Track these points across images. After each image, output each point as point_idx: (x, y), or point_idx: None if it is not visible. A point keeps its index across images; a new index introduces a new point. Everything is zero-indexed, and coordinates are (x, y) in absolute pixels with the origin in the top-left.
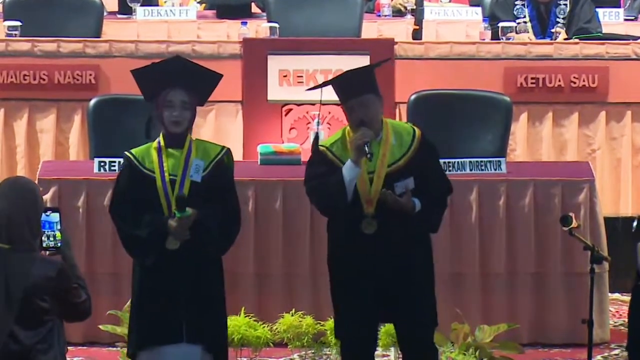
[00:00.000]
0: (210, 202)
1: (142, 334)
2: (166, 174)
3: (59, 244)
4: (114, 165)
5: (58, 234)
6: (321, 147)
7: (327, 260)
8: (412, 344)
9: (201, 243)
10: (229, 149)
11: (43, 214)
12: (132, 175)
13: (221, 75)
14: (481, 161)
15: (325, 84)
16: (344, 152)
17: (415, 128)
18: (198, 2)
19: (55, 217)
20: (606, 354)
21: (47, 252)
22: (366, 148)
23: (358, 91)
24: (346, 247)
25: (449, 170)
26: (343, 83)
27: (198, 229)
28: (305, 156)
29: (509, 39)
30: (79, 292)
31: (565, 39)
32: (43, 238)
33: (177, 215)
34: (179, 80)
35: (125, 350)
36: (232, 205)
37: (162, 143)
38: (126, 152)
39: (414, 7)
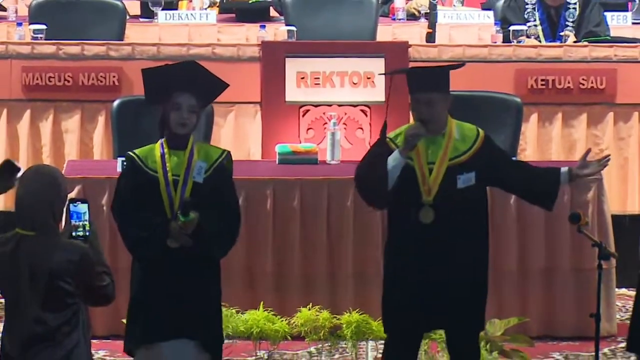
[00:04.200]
0: (211, 203)
1: (142, 331)
2: (169, 174)
3: (87, 234)
4: None
5: (86, 224)
6: (387, 138)
7: (384, 249)
8: (460, 346)
9: (201, 246)
10: (229, 152)
11: (72, 205)
12: (134, 175)
13: (227, 85)
14: None
15: (399, 71)
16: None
17: (480, 129)
18: (208, 7)
19: (83, 208)
20: (613, 347)
21: (77, 241)
22: (415, 141)
23: (422, 87)
24: (404, 236)
25: None
26: (414, 76)
27: (199, 233)
28: (322, 155)
29: (520, 42)
30: (102, 276)
31: (574, 42)
32: (72, 228)
33: (181, 219)
34: (188, 85)
35: None
36: (232, 207)
37: (165, 144)
38: (129, 152)
39: (428, 11)
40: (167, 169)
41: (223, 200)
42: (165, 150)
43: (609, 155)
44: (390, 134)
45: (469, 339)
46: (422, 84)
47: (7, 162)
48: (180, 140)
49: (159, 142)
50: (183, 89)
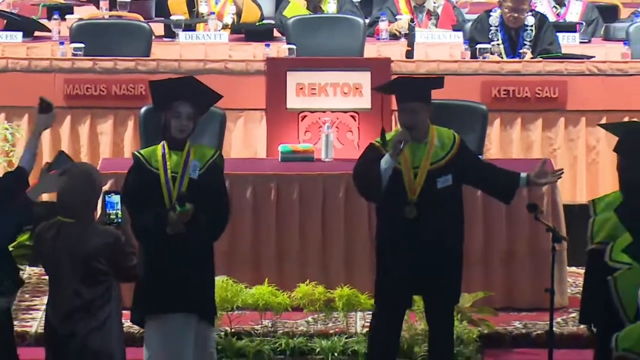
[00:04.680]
0: (204, 196)
1: (147, 304)
2: (169, 172)
3: (120, 220)
4: None
5: (119, 212)
6: (376, 143)
7: (375, 239)
8: (437, 316)
9: (196, 233)
10: (220, 152)
11: (107, 197)
12: (140, 172)
13: (221, 96)
14: None
15: (386, 86)
16: None
17: (456, 134)
18: (221, 29)
19: (116, 199)
20: (565, 317)
21: (110, 227)
22: (401, 146)
23: (407, 97)
24: (392, 229)
25: None
26: (397, 88)
27: (194, 222)
28: (318, 154)
29: (485, 58)
30: (132, 257)
31: (531, 58)
32: (107, 216)
33: (178, 209)
34: (188, 96)
35: None
36: (222, 199)
37: (165, 146)
38: (135, 152)
39: (407, 32)
40: (167, 167)
41: (215, 193)
42: (166, 151)
43: (562, 169)
44: (379, 139)
45: (445, 310)
46: (406, 95)
47: (41, 99)
48: (179, 142)
49: (161, 143)
50: (183, 99)
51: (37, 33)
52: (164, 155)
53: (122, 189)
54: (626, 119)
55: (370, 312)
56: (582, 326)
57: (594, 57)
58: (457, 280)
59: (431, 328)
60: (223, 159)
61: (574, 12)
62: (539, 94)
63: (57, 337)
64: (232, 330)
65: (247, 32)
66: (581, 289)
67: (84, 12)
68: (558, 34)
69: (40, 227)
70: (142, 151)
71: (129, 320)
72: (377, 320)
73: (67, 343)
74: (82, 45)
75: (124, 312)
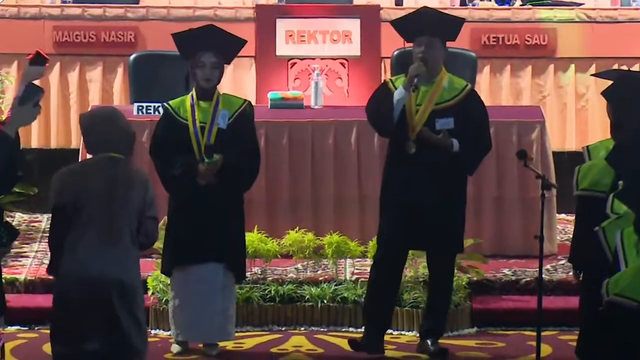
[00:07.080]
0: (235, 145)
1: (174, 255)
2: (197, 122)
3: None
4: (150, 109)
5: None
6: (388, 79)
7: (383, 171)
8: (437, 265)
9: (226, 183)
10: (249, 101)
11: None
12: (169, 123)
13: (245, 41)
14: None
15: (405, 17)
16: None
17: (469, 84)
18: None
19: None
20: (554, 264)
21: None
22: (415, 80)
23: (425, 32)
24: (394, 165)
25: None
26: (417, 20)
27: (223, 173)
28: (307, 101)
29: (475, 5)
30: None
31: (521, 5)
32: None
33: (205, 161)
34: (210, 45)
35: (159, 261)
36: (253, 148)
37: (194, 96)
38: (164, 103)
39: None
40: (196, 117)
41: (245, 142)
42: (195, 101)
43: None
44: (393, 77)
45: (446, 259)
46: (423, 28)
47: (38, 52)
48: (207, 92)
49: (190, 94)
50: (205, 49)
51: None
52: (192, 105)
53: (151, 140)
54: (615, 67)
55: (359, 259)
56: (571, 273)
57: (584, 4)
58: (458, 226)
59: (431, 276)
60: (253, 108)
61: None
62: (529, 41)
63: (83, 276)
64: None
65: None
66: (571, 236)
67: None
68: None
69: (82, 162)
70: (171, 102)
71: None
72: (380, 263)
73: (101, 286)
74: None
75: None
